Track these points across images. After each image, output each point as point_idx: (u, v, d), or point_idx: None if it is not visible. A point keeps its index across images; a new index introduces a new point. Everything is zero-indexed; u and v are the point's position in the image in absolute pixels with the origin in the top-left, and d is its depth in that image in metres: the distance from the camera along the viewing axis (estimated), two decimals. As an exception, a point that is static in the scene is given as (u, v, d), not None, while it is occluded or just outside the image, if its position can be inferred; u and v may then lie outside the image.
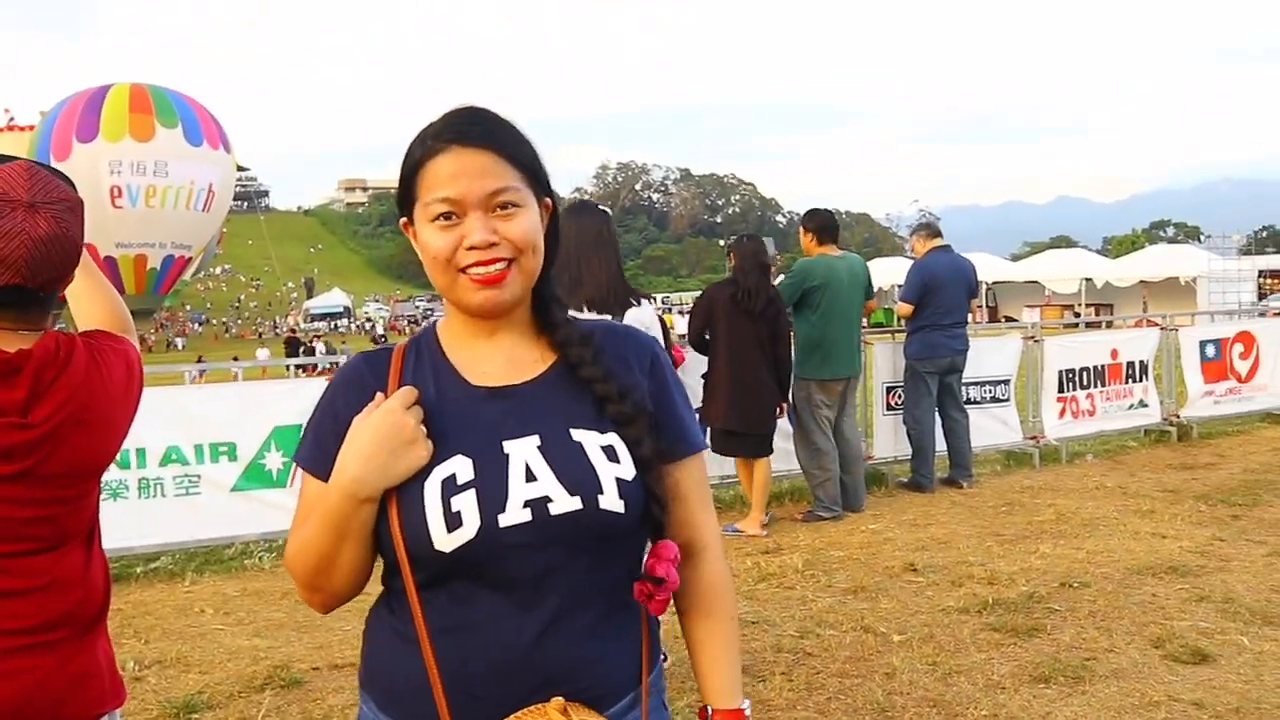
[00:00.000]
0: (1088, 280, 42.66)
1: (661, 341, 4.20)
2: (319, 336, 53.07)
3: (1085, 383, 9.99)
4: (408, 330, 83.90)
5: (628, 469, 1.52)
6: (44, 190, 1.98)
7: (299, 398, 7.22)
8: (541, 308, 1.63)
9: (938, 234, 9.02)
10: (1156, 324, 11.10)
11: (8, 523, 1.96)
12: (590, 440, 1.53)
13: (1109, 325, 16.60)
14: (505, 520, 1.47)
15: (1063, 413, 9.82)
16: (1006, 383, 9.62)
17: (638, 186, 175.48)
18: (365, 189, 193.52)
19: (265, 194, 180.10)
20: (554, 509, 1.48)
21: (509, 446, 1.51)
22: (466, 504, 1.47)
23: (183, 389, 7.46)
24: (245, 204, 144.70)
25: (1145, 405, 10.39)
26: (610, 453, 1.53)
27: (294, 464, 6.52)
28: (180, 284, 48.73)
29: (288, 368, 9.92)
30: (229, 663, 5.18)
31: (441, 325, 1.66)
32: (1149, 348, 10.49)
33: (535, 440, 1.52)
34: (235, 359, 34.24)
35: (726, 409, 7.07)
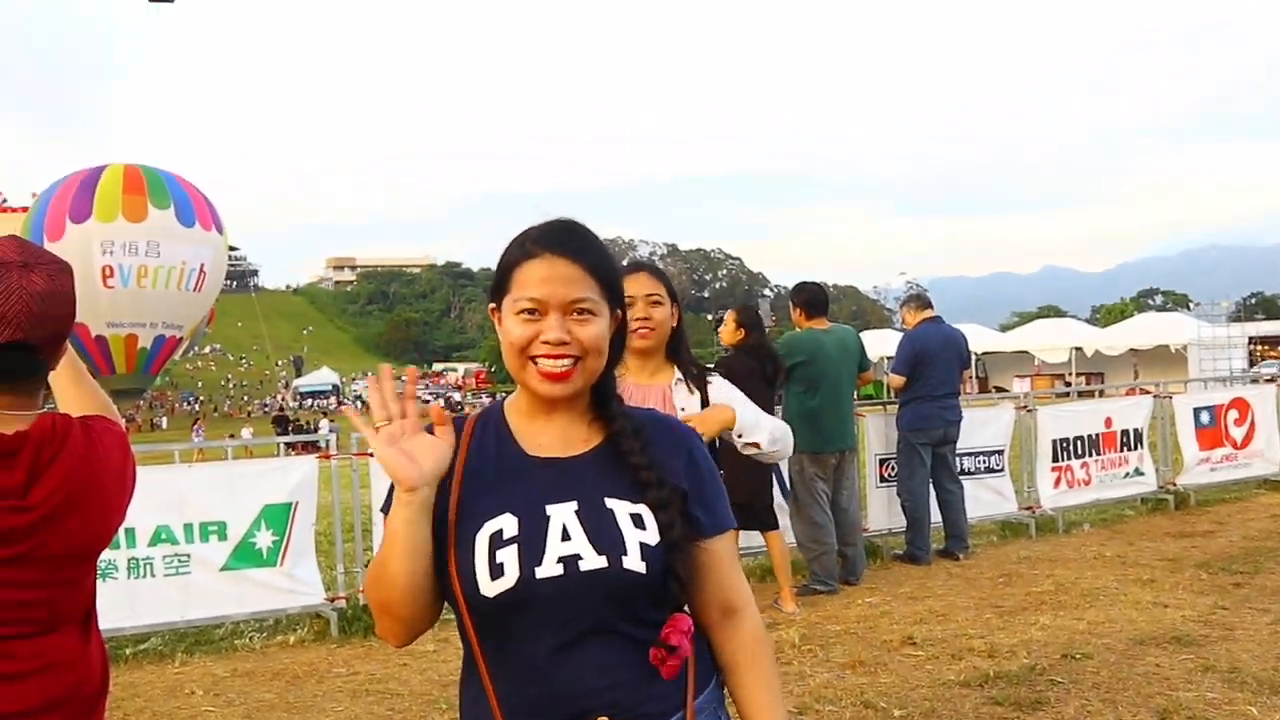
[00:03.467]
0: (1078, 349, 42.86)
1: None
2: (325, 414, 53.09)
3: (1080, 452, 9.97)
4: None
5: (652, 535, 1.72)
6: (34, 253, 2.01)
7: (288, 476, 7.17)
8: (601, 400, 1.85)
9: (928, 305, 9.05)
10: (1149, 392, 11.11)
11: (5, 606, 1.94)
12: (621, 508, 1.74)
13: (1101, 394, 16.64)
14: (541, 573, 1.68)
15: (1058, 482, 9.79)
16: (1000, 453, 9.60)
17: (625, 263, 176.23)
18: (354, 267, 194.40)
19: (255, 273, 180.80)
20: (583, 565, 1.69)
21: (551, 509, 1.73)
22: (509, 557, 1.70)
23: (172, 468, 7.39)
24: (235, 283, 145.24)
25: (1141, 473, 10.36)
26: (638, 520, 1.73)
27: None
28: (170, 363, 48.69)
29: (278, 446, 9.92)
30: (218, 747, 5.08)
31: (509, 401, 1.89)
32: (1143, 415, 10.48)
33: (574, 505, 1.74)
34: (231, 436, 34.12)
35: (735, 483, 6.86)
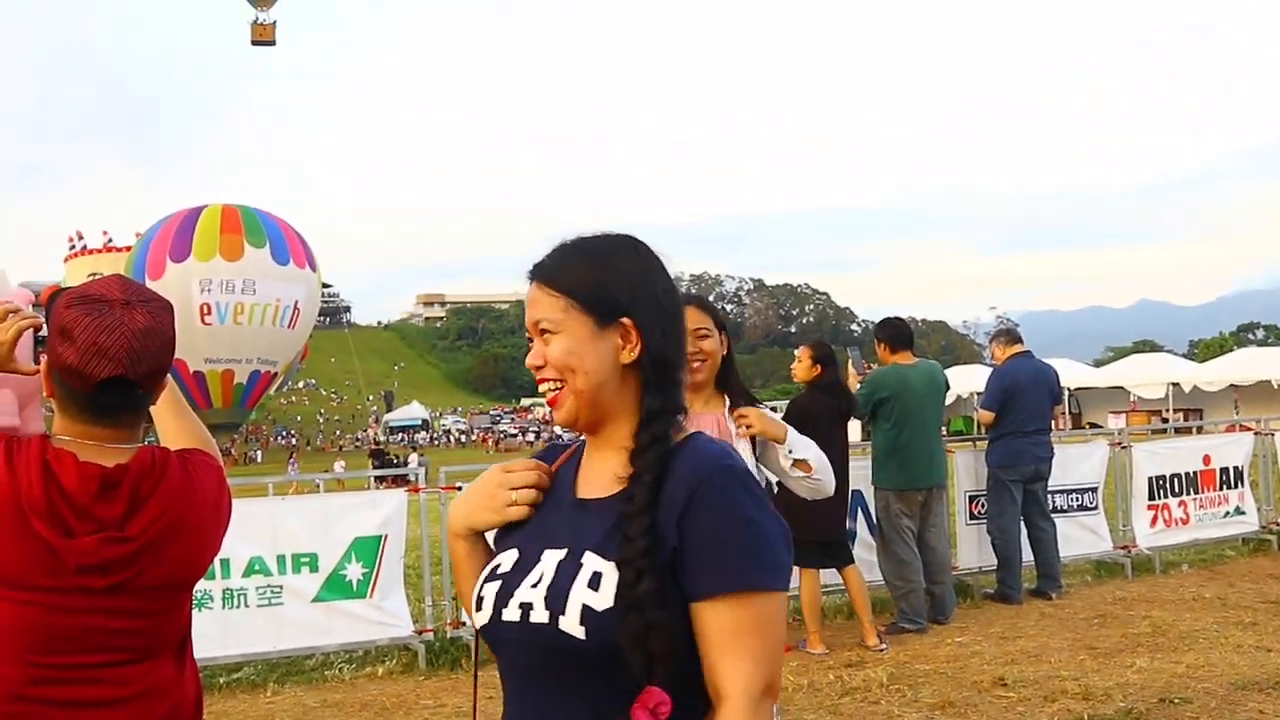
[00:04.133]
0: (1175, 385, 41.81)
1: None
2: (415, 448, 53.93)
3: (1177, 490, 9.72)
4: (485, 439, 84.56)
5: (604, 599, 1.53)
6: (136, 291, 2.08)
7: (379, 509, 7.27)
8: (640, 427, 1.67)
9: (1018, 340, 8.93)
10: (1250, 429, 10.81)
11: (102, 634, 2.00)
12: (590, 563, 1.58)
13: (1199, 430, 16.24)
14: (505, 615, 1.62)
15: (1155, 521, 9.55)
16: (1094, 490, 9.40)
17: (711, 298, 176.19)
18: (444, 304, 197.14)
19: (348, 309, 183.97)
20: (532, 616, 1.58)
21: (546, 554, 1.64)
22: (489, 593, 1.66)
23: (266, 501, 7.54)
24: (328, 320, 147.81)
25: (1242, 513, 10.07)
26: (594, 580, 1.55)
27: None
28: (265, 398, 49.72)
29: (368, 480, 10.15)
30: (308, 777, 5.15)
31: None
32: (1243, 453, 10.20)
33: (562, 553, 1.62)
34: (329, 471, 34.75)
35: (825, 518, 6.72)
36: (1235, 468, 10.06)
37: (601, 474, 1.68)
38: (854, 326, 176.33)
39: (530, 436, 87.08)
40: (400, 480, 10.86)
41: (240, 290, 39.52)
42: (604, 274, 1.67)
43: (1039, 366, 8.74)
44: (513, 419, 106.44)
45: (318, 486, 8.57)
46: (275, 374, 43.81)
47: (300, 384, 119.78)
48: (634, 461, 1.62)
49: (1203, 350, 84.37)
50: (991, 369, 9.22)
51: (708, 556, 1.54)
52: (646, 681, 1.51)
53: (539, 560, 1.62)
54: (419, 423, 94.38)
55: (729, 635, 1.53)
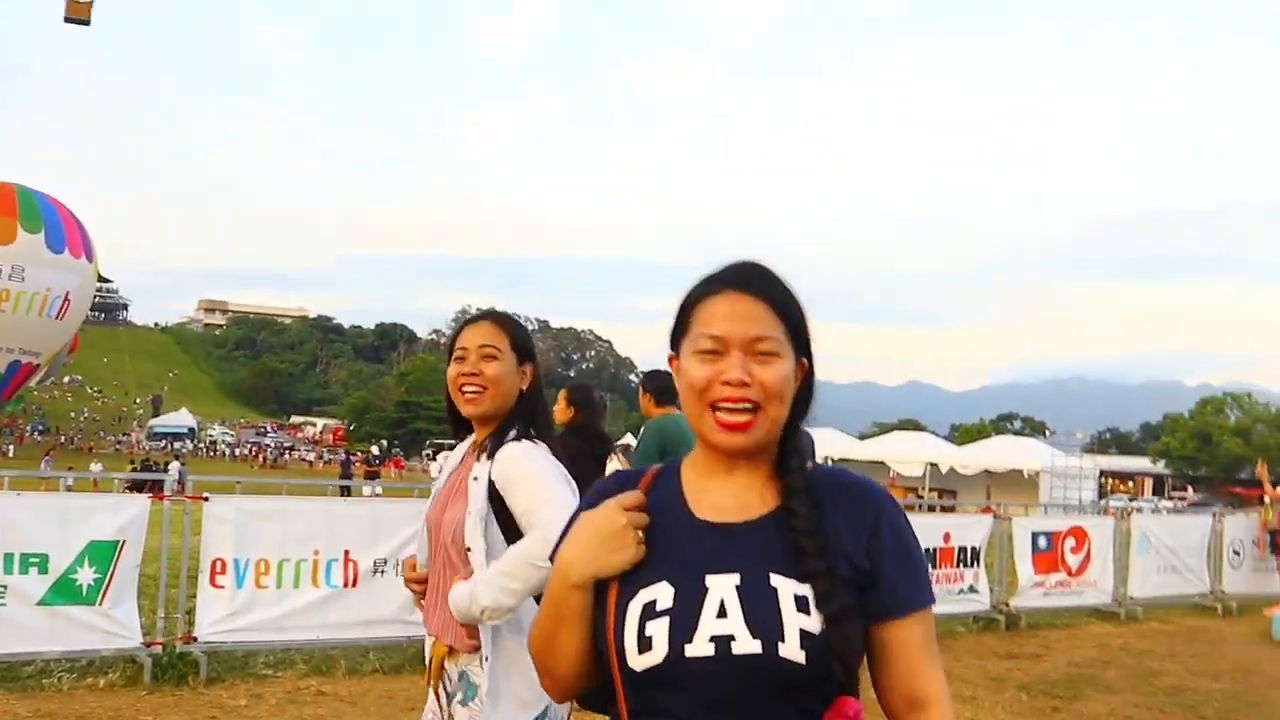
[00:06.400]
0: (932, 465, 43.73)
1: None
2: (177, 456, 51.73)
3: (918, 564, 10.11)
4: (257, 454, 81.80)
5: (816, 622, 1.55)
6: None
7: (118, 514, 6.97)
8: (782, 455, 1.70)
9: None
10: (991, 511, 11.42)
11: None
12: (786, 587, 1.57)
13: (953, 510, 17.00)
14: (691, 651, 1.56)
15: (894, 592, 9.90)
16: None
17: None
18: (225, 311, 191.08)
19: (125, 307, 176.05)
20: (736, 648, 1.54)
21: (710, 580, 1.60)
22: (659, 630, 1.58)
23: (-1, 495, 7.12)
24: (104, 315, 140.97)
25: (975, 591, 10.59)
26: (802, 603, 1.56)
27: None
28: (24, 390, 46.93)
29: (116, 483, 9.71)
30: (5, 789, 4.86)
31: (688, 459, 1.76)
32: (982, 534, 10.75)
33: (735, 579, 1.59)
34: (70, 469, 33.04)
35: None
36: (973, 547, 10.58)
37: (727, 497, 1.68)
38: (632, 377, 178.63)
39: (311, 455, 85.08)
40: (154, 485, 10.38)
41: (8, 276, 37.19)
42: (803, 312, 1.71)
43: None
44: (282, 436, 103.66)
45: (67, 486, 8.14)
46: (38, 365, 41.34)
47: (65, 379, 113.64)
48: (787, 484, 1.66)
49: (962, 435, 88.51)
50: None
51: (901, 577, 1.64)
52: (841, 691, 1.58)
53: (705, 590, 1.59)
54: (185, 430, 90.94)
55: (922, 647, 1.65)
